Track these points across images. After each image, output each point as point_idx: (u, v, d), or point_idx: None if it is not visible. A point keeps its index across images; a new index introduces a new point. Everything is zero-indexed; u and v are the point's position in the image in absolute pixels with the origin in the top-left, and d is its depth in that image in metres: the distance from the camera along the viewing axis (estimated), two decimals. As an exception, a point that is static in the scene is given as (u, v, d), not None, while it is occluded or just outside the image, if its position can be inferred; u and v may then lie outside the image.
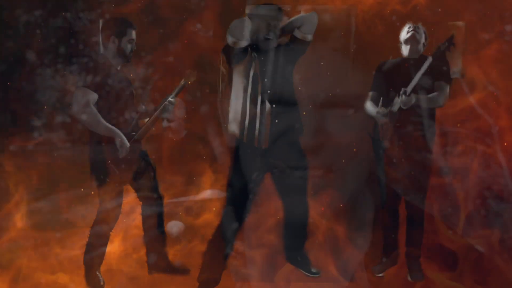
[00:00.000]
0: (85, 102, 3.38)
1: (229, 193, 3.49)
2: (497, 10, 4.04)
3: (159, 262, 3.77)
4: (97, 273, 3.62)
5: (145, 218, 3.76)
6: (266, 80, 3.32)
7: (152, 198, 3.71)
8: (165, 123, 3.69)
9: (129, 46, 3.50)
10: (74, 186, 4.01)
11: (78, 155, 3.85)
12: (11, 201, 4.00)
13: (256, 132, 3.32)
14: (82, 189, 3.96)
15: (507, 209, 3.96)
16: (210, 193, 4.21)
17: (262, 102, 3.31)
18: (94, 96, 3.40)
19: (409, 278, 3.81)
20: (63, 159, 4.06)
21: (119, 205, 3.59)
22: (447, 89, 3.64)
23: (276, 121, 3.32)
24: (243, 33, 3.30)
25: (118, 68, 3.54)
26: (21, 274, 3.79)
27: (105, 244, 3.62)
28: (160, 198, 3.75)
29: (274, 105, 3.32)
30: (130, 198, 3.74)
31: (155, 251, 3.76)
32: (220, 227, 3.47)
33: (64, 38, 4.03)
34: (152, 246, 3.77)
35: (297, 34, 3.34)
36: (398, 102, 3.58)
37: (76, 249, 3.85)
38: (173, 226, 3.78)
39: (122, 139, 3.45)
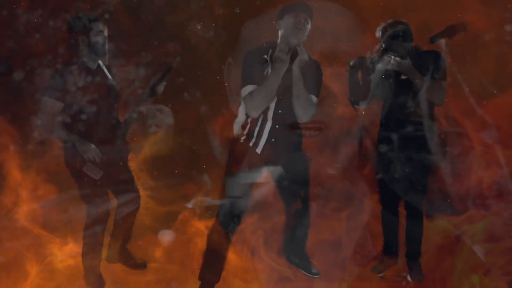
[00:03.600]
0: (47, 113, 3.34)
1: (225, 187, 3.46)
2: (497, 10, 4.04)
3: (119, 254, 3.80)
4: (97, 273, 3.64)
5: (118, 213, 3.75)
6: (276, 100, 3.24)
7: (128, 193, 3.72)
8: None
9: (99, 39, 3.38)
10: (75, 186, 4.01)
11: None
12: (11, 201, 4.00)
13: (253, 139, 3.28)
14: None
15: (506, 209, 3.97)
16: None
17: (264, 120, 3.26)
18: (58, 105, 3.35)
19: (409, 278, 3.82)
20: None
21: (106, 204, 3.59)
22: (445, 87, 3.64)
23: (273, 140, 3.28)
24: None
25: (94, 68, 3.45)
26: (21, 274, 3.79)
27: (101, 244, 3.63)
28: (136, 193, 3.75)
29: (277, 126, 3.27)
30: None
31: (118, 244, 3.78)
32: (217, 222, 3.45)
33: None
34: (116, 239, 3.78)
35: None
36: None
37: (76, 250, 3.87)
38: (164, 235, 3.78)
39: (81, 144, 3.40)
